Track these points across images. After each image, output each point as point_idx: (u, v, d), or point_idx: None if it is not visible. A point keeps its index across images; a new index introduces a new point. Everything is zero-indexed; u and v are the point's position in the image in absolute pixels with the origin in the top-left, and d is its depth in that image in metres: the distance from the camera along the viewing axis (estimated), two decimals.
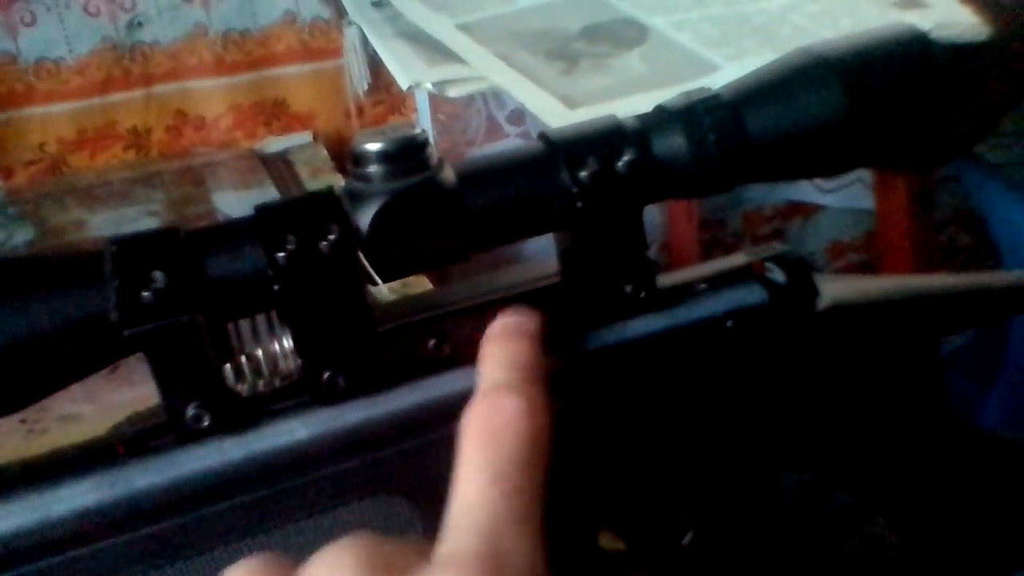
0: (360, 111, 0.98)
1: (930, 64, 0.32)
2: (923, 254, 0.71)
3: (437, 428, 0.32)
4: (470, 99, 0.92)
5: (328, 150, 0.93)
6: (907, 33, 0.33)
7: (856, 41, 0.33)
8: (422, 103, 0.95)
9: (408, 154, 0.30)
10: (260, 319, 0.31)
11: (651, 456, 0.35)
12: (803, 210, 1.23)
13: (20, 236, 0.74)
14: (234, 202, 0.78)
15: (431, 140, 0.31)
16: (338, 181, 0.84)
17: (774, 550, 0.40)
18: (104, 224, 0.77)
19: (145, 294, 0.27)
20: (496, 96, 0.96)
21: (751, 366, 0.34)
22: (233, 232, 0.29)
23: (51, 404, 0.55)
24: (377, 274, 0.30)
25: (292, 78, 0.95)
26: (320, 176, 0.85)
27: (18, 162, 0.88)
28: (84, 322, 0.27)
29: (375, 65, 0.96)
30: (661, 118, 0.32)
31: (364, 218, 0.29)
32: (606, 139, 0.31)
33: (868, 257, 1.22)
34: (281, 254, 0.29)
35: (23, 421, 0.50)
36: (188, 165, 0.89)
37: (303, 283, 0.29)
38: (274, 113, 0.95)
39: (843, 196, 1.14)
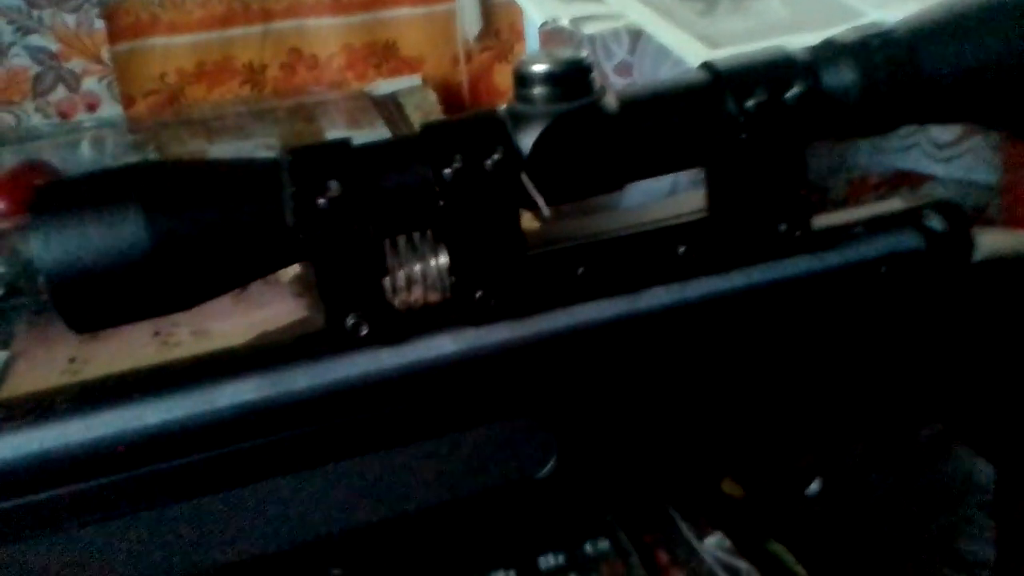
0: (468, 57, 0.98)
1: None
2: None
3: (580, 355, 0.32)
4: (578, 48, 0.91)
5: (436, 94, 0.93)
6: None
7: None
8: (532, 49, 0.94)
9: (573, 77, 0.30)
10: (417, 237, 0.32)
11: (786, 401, 0.35)
12: (910, 179, 1.19)
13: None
14: None
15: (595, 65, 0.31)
16: None
17: (899, 506, 0.39)
18: (222, 155, 0.80)
19: (321, 201, 0.28)
20: (605, 46, 0.94)
21: (901, 314, 0.34)
22: (402, 148, 0.30)
23: (184, 319, 0.57)
24: (540, 196, 0.30)
25: (404, 21, 0.96)
26: (430, 119, 0.86)
27: (139, 92, 0.91)
28: (262, 223, 0.28)
29: (487, 10, 0.95)
30: (832, 50, 0.31)
31: (527, 140, 0.30)
32: (775, 69, 0.30)
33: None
34: (447, 171, 0.29)
35: (157, 333, 0.52)
36: (301, 103, 0.90)
37: (465, 201, 0.30)
38: (384, 55, 0.96)
39: (956, 166, 1.10)
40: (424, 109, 0.90)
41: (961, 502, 0.83)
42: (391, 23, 0.95)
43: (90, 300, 0.28)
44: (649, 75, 0.98)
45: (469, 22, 0.95)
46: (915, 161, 1.15)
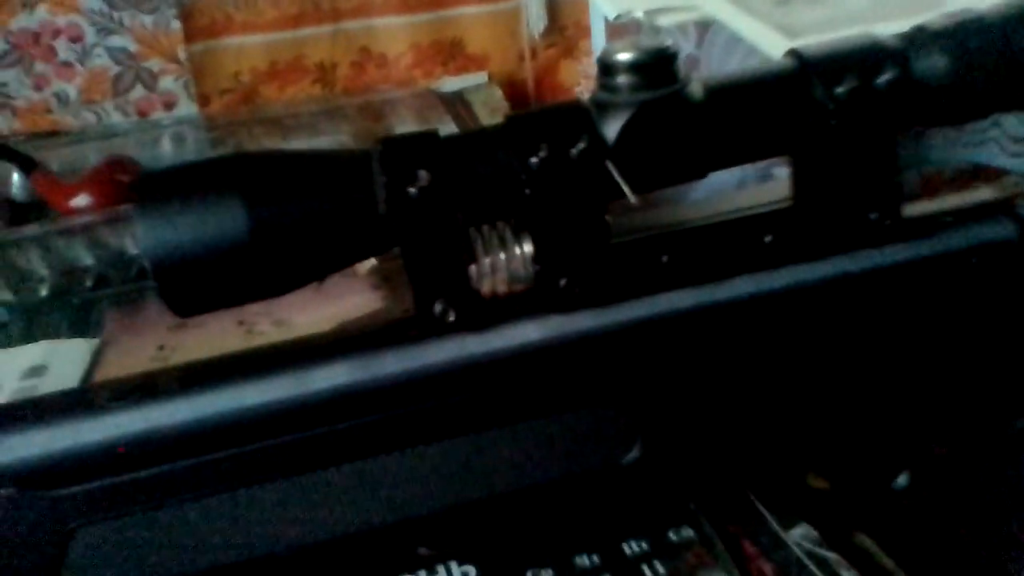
0: (534, 53, 0.98)
1: None
2: None
3: (664, 344, 0.32)
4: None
5: (502, 91, 0.94)
6: None
7: None
8: (597, 46, 0.94)
9: (658, 65, 0.30)
10: (502, 226, 0.32)
11: (874, 393, 0.34)
12: (985, 174, 1.16)
13: None
14: None
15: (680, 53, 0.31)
16: None
17: (991, 502, 0.38)
18: None
19: (411, 190, 0.29)
20: (672, 39, 0.94)
21: (992, 306, 0.33)
22: (489, 138, 0.30)
23: (268, 309, 0.59)
24: (625, 184, 0.30)
25: (470, 19, 0.97)
26: (497, 115, 0.87)
27: (214, 90, 0.93)
28: (355, 212, 0.29)
29: (552, 6, 0.96)
30: (923, 37, 0.30)
31: (612, 129, 0.30)
32: (865, 55, 0.30)
33: None
34: (534, 160, 0.29)
35: (241, 323, 0.54)
36: (370, 101, 0.91)
37: (551, 189, 0.30)
38: (451, 53, 0.97)
39: None
40: (491, 106, 0.90)
41: None
42: (457, 21, 0.96)
43: (193, 286, 0.29)
44: (716, 69, 0.97)
45: (535, 19, 0.95)
46: (990, 155, 1.12)
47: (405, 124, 0.86)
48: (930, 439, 0.37)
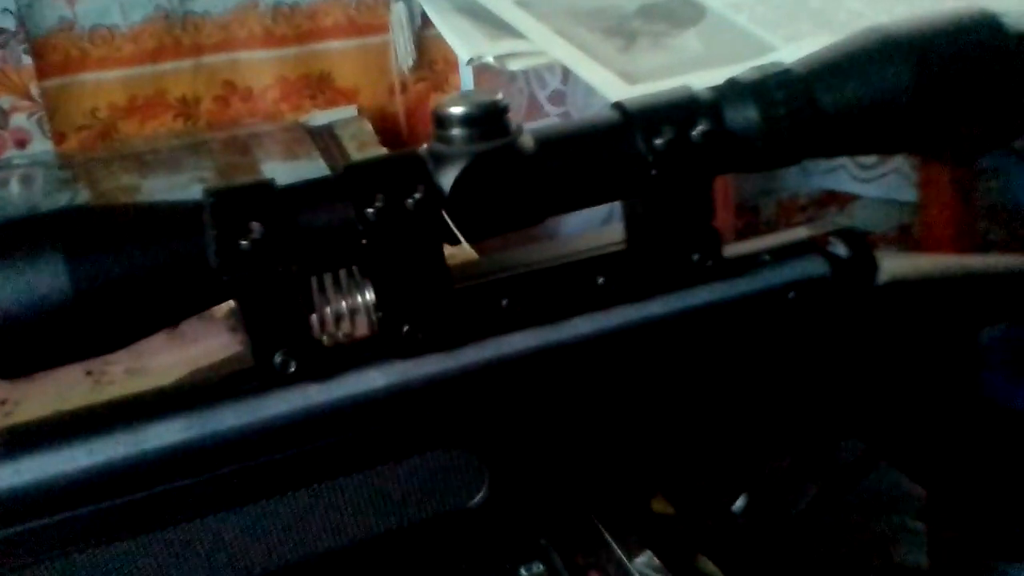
0: (404, 87, 0.99)
1: (998, 47, 0.33)
2: (965, 245, 0.71)
3: (507, 385, 0.33)
4: (512, 79, 0.93)
5: (372, 125, 0.94)
6: (976, 16, 0.34)
7: (925, 21, 0.34)
8: (466, 81, 0.96)
9: (490, 118, 0.31)
10: (342, 274, 0.33)
11: (708, 421, 0.36)
12: (838, 199, 1.23)
13: (77, 198, 0.77)
14: (283, 172, 0.79)
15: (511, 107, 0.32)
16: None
17: (819, 523, 0.41)
18: (156, 189, 0.79)
19: (243, 243, 0.29)
20: (538, 76, 0.97)
21: (810, 337, 0.36)
22: (325, 188, 0.31)
23: (117, 358, 0.57)
24: (459, 232, 0.31)
25: (338, 52, 0.97)
26: (366, 149, 0.87)
27: (71, 127, 0.90)
28: (185, 267, 0.29)
29: (421, 42, 0.97)
30: (734, 90, 0.33)
31: (447, 179, 0.31)
32: (681, 109, 0.32)
33: (902, 249, 1.22)
34: (370, 210, 0.30)
35: (89, 373, 0.52)
36: (235, 135, 0.90)
37: (389, 239, 0.31)
38: (319, 87, 0.97)
39: (880, 186, 1.14)
40: (360, 139, 0.90)
41: (895, 510, 0.85)
42: (325, 55, 0.96)
43: (16, 347, 0.28)
44: (582, 103, 1.00)
45: (403, 53, 0.96)
46: (841, 182, 1.20)
47: (271, 158, 0.86)
48: (765, 462, 0.39)
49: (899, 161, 1.08)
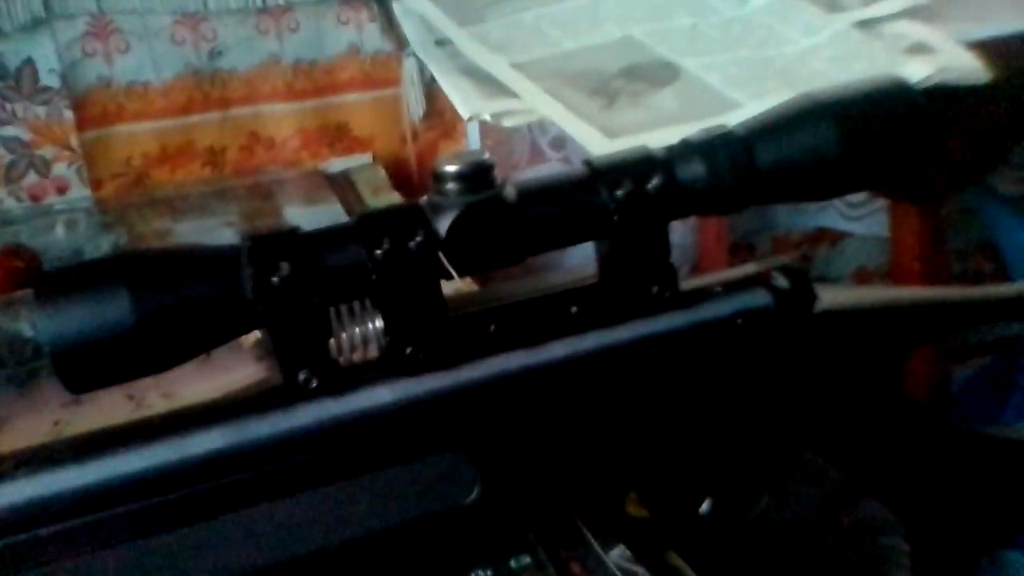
0: (415, 136, 1.05)
1: (910, 107, 0.39)
2: (934, 279, 0.76)
3: (496, 398, 0.39)
4: (515, 126, 1.00)
5: (386, 171, 1.00)
6: (892, 82, 0.40)
7: (849, 88, 0.39)
8: (472, 130, 1.02)
9: (478, 175, 0.37)
10: (355, 305, 0.38)
11: (671, 433, 0.42)
12: (829, 236, 1.28)
13: (118, 242, 0.83)
14: (303, 216, 0.85)
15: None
16: (396, 198, 0.92)
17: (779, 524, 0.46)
18: (188, 232, 0.86)
19: (274, 279, 0.35)
20: (540, 124, 1.03)
21: (757, 359, 0.41)
22: (341, 233, 0.37)
23: (155, 383, 0.63)
24: (453, 270, 0.37)
25: (354, 104, 1.03)
26: (380, 194, 0.93)
27: (107, 175, 0.96)
28: (226, 298, 0.35)
29: (430, 94, 1.03)
30: (684, 149, 0.39)
31: (443, 225, 0.36)
32: (638, 165, 0.38)
33: (893, 284, 1.27)
34: (378, 252, 0.36)
35: (131, 397, 0.58)
36: (259, 182, 0.97)
37: (394, 275, 0.36)
38: (337, 136, 1.03)
39: (866, 224, 1.20)
40: (374, 185, 0.96)
41: (883, 532, 0.89)
42: (342, 106, 1.03)
43: (85, 367, 0.34)
44: (580, 148, 1.07)
45: (414, 105, 1.03)
46: (832, 220, 1.25)
47: (292, 203, 0.92)
48: (726, 469, 0.44)
49: (883, 201, 1.14)
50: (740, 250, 1.25)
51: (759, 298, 0.41)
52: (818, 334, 0.41)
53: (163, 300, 0.34)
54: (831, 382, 0.42)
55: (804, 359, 0.42)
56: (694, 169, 0.38)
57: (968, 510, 0.48)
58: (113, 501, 0.35)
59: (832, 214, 1.22)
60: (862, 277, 1.28)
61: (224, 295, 0.35)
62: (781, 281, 0.41)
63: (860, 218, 1.20)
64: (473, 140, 1.04)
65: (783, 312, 0.41)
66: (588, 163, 0.38)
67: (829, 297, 0.42)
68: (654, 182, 0.37)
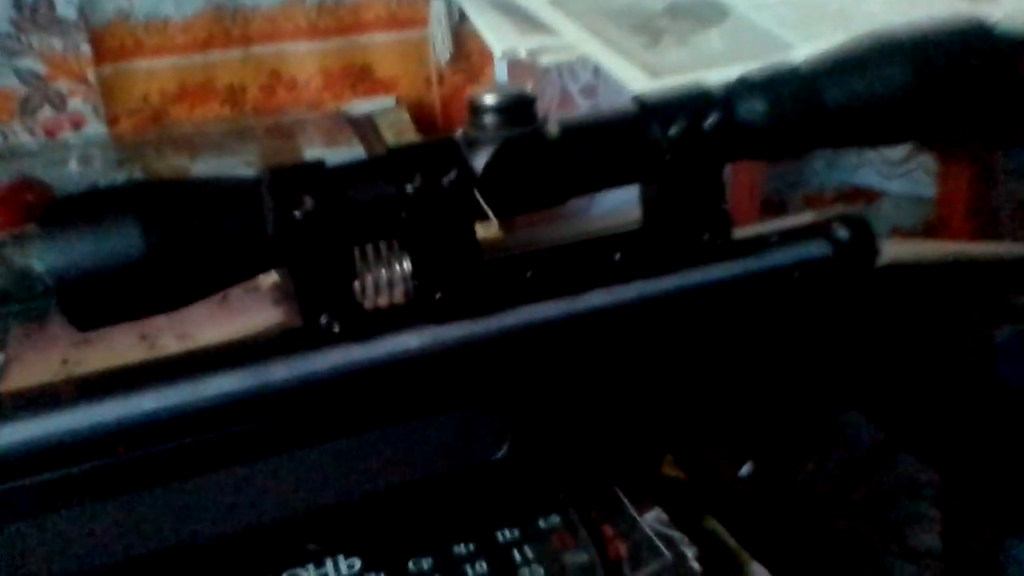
0: (441, 79, 1.02)
1: (989, 49, 0.36)
2: (983, 238, 0.73)
3: (530, 350, 0.36)
4: (545, 72, 0.96)
5: (410, 114, 0.98)
6: (970, 22, 0.36)
7: (924, 27, 0.36)
8: (501, 73, 0.99)
9: (518, 108, 0.34)
10: (382, 246, 0.36)
11: (714, 391, 0.39)
12: (864, 195, 1.25)
13: (132, 178, 0.81)
14: (324, 158, 0.83)
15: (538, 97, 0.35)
16: None
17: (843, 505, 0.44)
18: (204, 171, 0.83)
19: (296, 214, 0.32)
20: (571, 70, 0.99)
21: (813, 314, 0.38)
22: (369, 168, 0.34)
23: (169, 324, 0.61)
24: (490, 210, 0.34)
25: (378, 45, 1.00)
26: (403, 137, 0.90)
27: (123, 111, 0.94)
28: (245, 233, 0.32)
29: (458, 35, 1.00)
30: (744, 86, 0.35)
31: (479, 161, 0.34)
32: (694, 102, 0.35)
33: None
34: (409, 188, 0.33)
35: (143, 338, 0.56)
36: (280, 122, 0.94)
37: (425, 215, 0.34)
38: (360, 77, 1.00)
39: (904, 182, 1.16)
40: (397, 128, 0.94)
41: (912, 496, 0.87)
42: (366, 47, 0.99)
43: (92, 302, 0.32)
44: (613, 96, 1.03)
45: (441, 46, 0.99)
46: (867, 177, 1.21)
47: (313, 145, 0.89)
48: (769, 430, 0.42)
49: (925, 158, 1.10)
50: (771, 207, 1.21)
51: (818, 249, 0.38)
52: (880, 290, 0.39)
53: (176, 232, 0.32)
54: (889, 341, 0.40)
55: (863, 316, 0.39)
56: (755, 107, 0.35)
57: (1008, 474, 0.45)
58: (120, 445, 0.33)
59: (869, 171, 1.18)
60: (898, 237, 1.24)
61: (243, 229, 0.32)
62: (842, 232, 0.38)
63: (896, 176, 1.16)
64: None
65: (843, 265, 0.38)
66: (638, 99, 0.35)
67: (892, 251, 0.39)
68: (711, 120, 0.34)
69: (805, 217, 0.39)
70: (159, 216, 0.31)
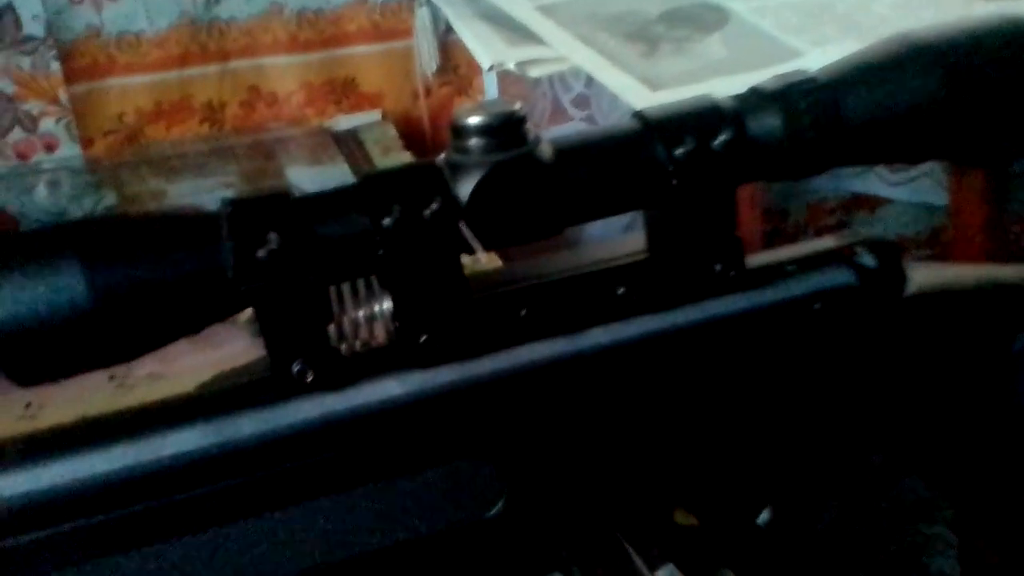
0: (428, 92, 1.00)
1: None
2: (996, 249, 0.70)
3: (525, 395, 0.33)
4: (536, 83, 0.93)
5: (396, 129, 0.95)
6: (1009, 22, 0.33)
7: (956, 28, 0.33)
8: (490, 85, 0.96)
9: (507, 128, 0.31)
10: (360, 284, 0.32)
11: (730, 434, 0.36)
12: (868, 203, 1.22)
13: (102, 203, 0.77)
14: (307, 177, 0.80)
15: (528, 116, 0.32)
16: (407, 159, 0.87)
17: (847, 536, 0.40)
18: (182, 194, 0.80)
19: (260, 253, 0.29)
20: (562, 80, 0.97)
21: (836, 349, 0.35)
22: (341, 198, 0.31)
23: (140, 362, 0.57)
24: (477, 242, 0.31)
25: (362, 58, 0.97)
26: (390, 154, 0.88)
27: (97, 132, 0.91)
28: (202, 276, 0.29)
29: (444, 46, 0.97)
30: (757, 99, 0.32)
31: (464, 189, 0.30)
32: (702, 118, 0.32)
33: (932, 253, 1.20)
34: (387, 220, 0.30)
35: (112, 377, 0.53)
36: (261, 140, 0.91)
37: (405, 249, 0.30)
38: (344, 92, 0.97)
39: (911, 190, 1.13)
40: (384, 144, 0.91)
41: (927, 520, 0.84)
42: (350, 60, 0.97)
43: (33, 355, 0.28)
44: (607, 108, 1.00)
45: (427, 58, 0.97)
46: (871, 185, 1.18)
47: (296, 163, 0.86)
48: (789, 475, 0.38)
49: (930, 165, 1.07)
50: (773, 216, 1.18)
51: (841, 277, 0.35)
52: (908, 321, 0.35)
53: (125, 277, 0.28)
54: (921, 377, 0.36)
55: (891, 350, 0.35)
56: (769, 122, 0.32)
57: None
58: (69, 512, 0.30)
59: (872, 179, 1.15)
60: (901, 246, 1.21)
61: (200, 272, 0.29)
62: (867, 258, 0.35)
63: (903, 184, 1.13)
64: (491, 96, 0.97)
65: (869, 295, 0.35)
66: (641, 115, 0.32)
67: (920, 277, 0.36)
68: (721, 138, 0.31)
69: (825, 242, 0.36)
70: (104, 258, 0.28)
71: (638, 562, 0.37)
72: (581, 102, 1.00)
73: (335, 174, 0.81)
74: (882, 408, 0.37)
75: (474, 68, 0.98)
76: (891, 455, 0.39)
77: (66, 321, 0.28)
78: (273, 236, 0.29)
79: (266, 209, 0.29)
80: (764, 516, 0.39)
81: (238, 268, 0.29)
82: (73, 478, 0.30)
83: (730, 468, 0.37)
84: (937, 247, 1.14)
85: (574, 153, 0.32)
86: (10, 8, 0.83)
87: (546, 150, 0.31)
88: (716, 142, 0.31)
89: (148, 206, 0.74)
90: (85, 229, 0.29)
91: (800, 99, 0.32)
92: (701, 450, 0.36)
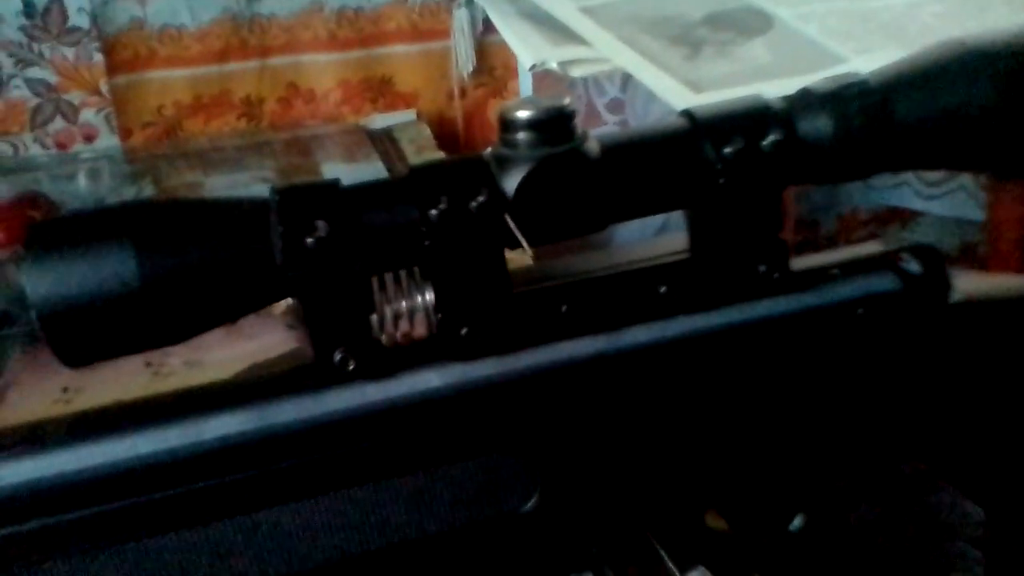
0: (463, 92, 1.00)
1: None
2: None
3: (563, 391, 0.33)
4: (571, 85, 0.93)
5: (431, 129, 0.95)
6: None
7: (1011, 34, 0.32)
8: (525, 88, 0.96)
9: (555, 123, 0.31)
10: (402, 275, 0.33)
11: (767, 438, 0.35)
12: (900, 216, 1.21)
13: (141, 193, 0.78)
14: (342, 174, 0.80)
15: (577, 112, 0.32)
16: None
17: (880, 543, 0.40)
18: (218, 187, 0.81)
19: (308, 241, 0.29)
20: (597, 84, 0.96)
21: (878, 355, 0.35)
22: (389, 189, 0.31)
23: (176, 350, 0.58)
24: (522, 237, 0.31)
25: (399, 57, 0.98)
26: (424, 153, 0.88)
27: (136, 123, 0.92)
28: (251, 262, 0.29)
29: (481, 47, 0.97)
30: (808, 100, 0.32)
31: (511, 183, 0.31)
32: (752, 118, 0.31)
33: (965, 268, 1.19)
34: (433, 212, 0.30)
35: (149, 364, 0.53)
36: (297, 136, 0.92)
37: (450, 241, 0.30)
38: (380, 90, 0.98)
39: (945, 203, 1.12)
40: (418, 143, 0.91)
41: (953, 536, 0.83)
42: (387, 59, 0.97)
43: (81, 335, 0.29)
44: (641, 113, 1.00)
45: (463, 59, 0.97)
46: (905, 198, 1.17)
47: (331, 160, 0.87)
48: (824, 482, 0.38)
49: (965, 179, 1.06)
50: (803, 227, 1.17)
51: (885, 283, 0.34)
52: (953, 328, 0.35)
53: (174, 261, 0.29)
54: (964, 385, 0.36)
55: (934, 357, 0.35)
56: (820, 124, 0.31)
57: None
58: (113, 492, 0.30)
59: (906, 192, 1.14)
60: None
61: (248, 258, 0.29)
62: (912, 264, 0.34)
63: (937, 197, 1.12)
64: None
65: (913, 301, 0.34)
66: (689, 114, 0.32)
67: (966, 285, 0.35)
68: (771, 138, 0.31)
69: (870, 247, 0.35)
70: (155, 242, 0.28)
71: (669, 563, 0.36)
72: (615, 106, 1.00)
73: (370, 172, 0.81)
74: (921, 415, 0.36)
75: (510, 70, 0.98)
76: (925, 464, 0.39)
77: (116, 302, 0.28)
78: (321, 224, 0.29)
79: (316, 197, 0.30)
80: (797, 522, 0.39)
81: (286, 255, 0.29)
82: (116, 458, 0.30)
83: (765, 472, 0.36)
84: (968, 262, 1.12)
85: (621, 150, 0.32)
86: (58, 0, 0.85)
87: (593, 146, 0.31)
88: (765, 142, 0.31)
89: (190, 196, 0.74)
90: (136, 212, 0.29)
91: (852, 101, 0.31)
92: (736, 453, 0.35)
